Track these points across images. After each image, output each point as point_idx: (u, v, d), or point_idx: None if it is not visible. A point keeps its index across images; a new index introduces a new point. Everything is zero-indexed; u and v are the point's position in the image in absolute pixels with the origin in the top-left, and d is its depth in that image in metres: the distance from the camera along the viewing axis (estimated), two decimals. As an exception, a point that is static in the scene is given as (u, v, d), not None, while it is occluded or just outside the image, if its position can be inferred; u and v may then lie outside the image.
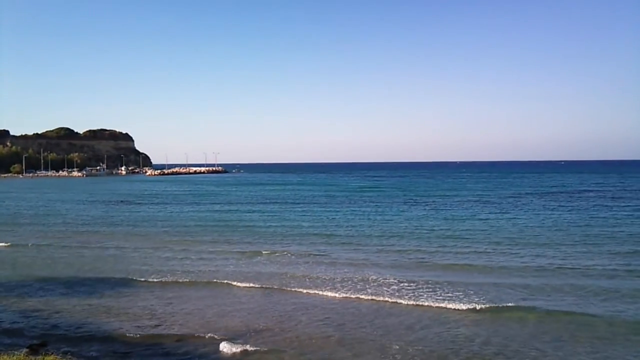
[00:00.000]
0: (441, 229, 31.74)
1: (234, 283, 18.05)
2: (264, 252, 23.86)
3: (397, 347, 12.01)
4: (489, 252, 23.75)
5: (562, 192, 67.36)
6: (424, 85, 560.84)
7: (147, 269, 20.62)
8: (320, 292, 16.88)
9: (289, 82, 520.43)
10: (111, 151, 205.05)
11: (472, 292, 16.56)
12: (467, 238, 28.05)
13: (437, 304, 15.30)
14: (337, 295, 16.50)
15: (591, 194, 63.79)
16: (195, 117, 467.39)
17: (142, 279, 18.84)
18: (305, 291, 17.05)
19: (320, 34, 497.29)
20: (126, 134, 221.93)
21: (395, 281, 18.05)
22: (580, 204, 49.24)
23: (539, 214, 40.29)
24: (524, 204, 49.95)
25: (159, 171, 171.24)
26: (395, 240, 27.92)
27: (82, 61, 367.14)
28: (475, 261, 21.74)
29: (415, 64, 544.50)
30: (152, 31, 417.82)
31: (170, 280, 18.77)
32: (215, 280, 18.67)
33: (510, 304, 15.11)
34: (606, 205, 46.65)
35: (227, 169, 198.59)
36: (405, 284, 17.63)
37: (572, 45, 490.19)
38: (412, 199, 57.78)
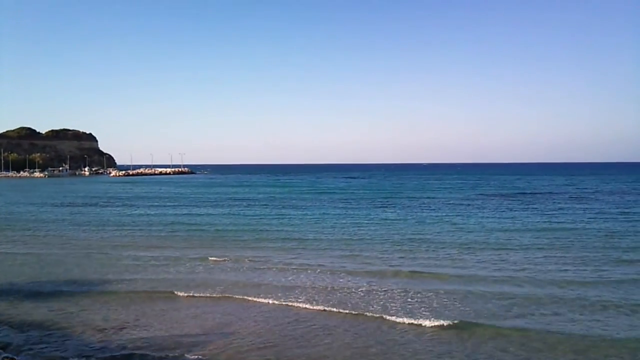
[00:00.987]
0: (409, 232, 31.02)
1: (178, 293, 16.83)
2: (216, 258, 22.86)
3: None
4: (457, 258, 22.83)
5: (527, 194, 68.07)
6: (395, 87, 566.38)
7: (95, 277, 19.64)
8: (265, 300, 15.87)
9: (258, 82, 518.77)
10: (74, 151, 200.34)
11: (438, 304, 15.48)
12: (435, 242, 27.35)
13: (394, 318, 14.05)
14: (284, 303, 15.47)
15: (558, 195, 64.83)
16: (161, 117, 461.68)
17: (83, 289, 17.72)
18: (251, 299, 16.06)
19: (291, 33, 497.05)
20: (90, 134, 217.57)
21: (353, 290, 17.07)
22: (546, 205, 49.56)
23: (505, 216, 40.14)
24: (491, 205, 49.98)
25: (123, 172, 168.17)
26: (360, 244, 26.98)
27: (45, 59, 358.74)
28: (443, 268, 20.69)
29: (387, 66, 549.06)
30: (116, 30, 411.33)
31: (109, 289, 17.53)
32: (159, 289, 17.45)
33: (479, 320, 13.77)
34: (573, 207, 47.01)
35: (193, 170, 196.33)
36: (363, 293, 16.64)
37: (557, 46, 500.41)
38: (380, 201, 57.42)
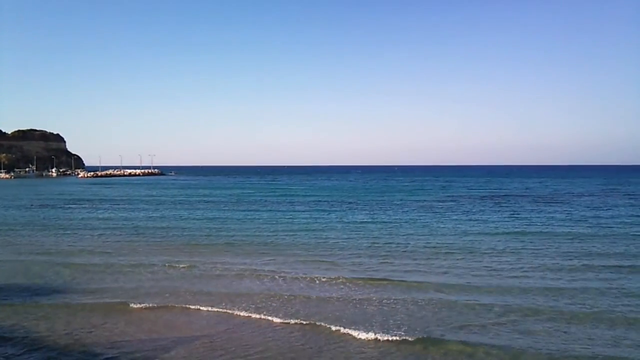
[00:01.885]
0: (378, 235, 30.50)
1: (131, 304, 15.91)
2: (178, 265, 21.99)
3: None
4: (425, 263, 22.26)
5: (499, 196, 68.53)
6: (369, 90, 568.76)
7: (45, 284, 18.62)
8: (215, 309, 15.21)
9: (229, 83, 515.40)
10: (41, 152, 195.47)
11: (397, 314, 14.77)
12: (404, 245, 26.85)
13: (346, 330, 13.23)
14: (236, 312, 14.86)
15: (528, 198, 65.41)
16: (130, 118, 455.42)
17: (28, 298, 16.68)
18: (204, 309, 15.28)
19: (262, 32, 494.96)
20: (57, 134, 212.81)
21: (309, 298, 16.47)
22: (517, 208, 49.74)
23: (476, 218, 40.02)
24: (462, 208, 49.95)
25: (92, 173, 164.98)
26: (327, 248, 26.30)
27: (12, 58, 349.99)
28: (411, 274, 20.04)
29: (362, 68, 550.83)
30: (84, 29, 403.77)
31: (61, 302, 16.37)
32: (114, 300, 16.48)
33: (441, 335, 12.96)
34: (545, 209, 47.32)
35: (164, 171, 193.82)
36: (319, 301, 16.03)
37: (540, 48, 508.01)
38: (349, 203, 56.97)
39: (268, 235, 31.25)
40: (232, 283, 18.99)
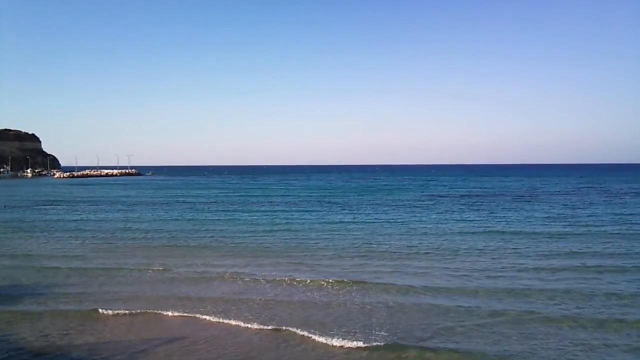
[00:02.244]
0: (358, 237, 30.20)
1: (102, 310, 15.22)
2: (151, 268, 21.43)
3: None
4: (405, 264, 21.98)
5: (476, 195, 69.10)
6: (348, 92, 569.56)
7: (13, 289, 17.71)
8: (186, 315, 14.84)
9: (207, 82, 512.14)
10: (16, 152, 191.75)
11: (378, 318, 14.46)
12: (382, 244, 26.60)
13: (312, 336, 12.85)
14: (209, 318, 14.41)
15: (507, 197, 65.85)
16: (107, 118, 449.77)
17: None
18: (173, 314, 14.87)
19: (239, 32, 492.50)
20: (33, 134, 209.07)
21: (276, 301, 16.21)
22: (496, 206, 49.97)
23: (455, 218, 40.05)
24: (441, 207, 50.06)
25: (68, 173, 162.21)
26: (304, 250, 25.86)
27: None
28: (389, 277, 19.66)
29: (343, 70, 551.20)
30: (59, 27, 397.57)
31: (28, 309, 15.70)
32: (83, 306, 15.94)
33: (406, 341, 12.48)
34: (524, 208, 47.57)
35: (141, 171, 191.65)
36: (288, 305, 15.69)
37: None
38: (329, 202, 56.61)
39: (245, 236, 30.79)
40: (206, 287, 18.54)
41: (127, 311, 15.35)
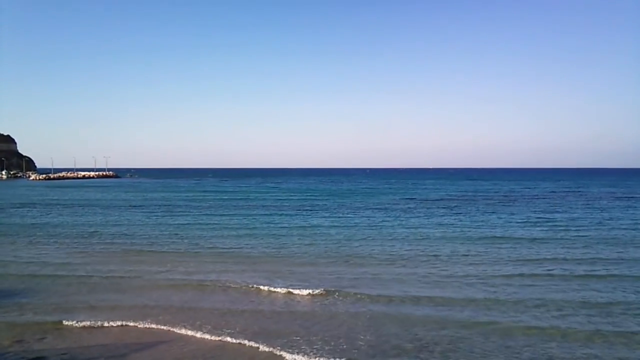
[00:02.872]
0: (337, 241, 29.74)
1: (65, 322, 14.50)
2: (124, 275, 20.87)
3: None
4: (383, 272, 21.60)
5: (455, 199, 69.42)
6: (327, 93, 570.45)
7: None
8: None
9: (189, 83, 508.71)
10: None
11: (347, 331, 14.09)
12: (362, 251, 26.12)
13: (278, 351, 12.31)
14: (173, 330, 13.76)
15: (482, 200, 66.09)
16: (84, 119, 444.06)
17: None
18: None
19: (222, 33, 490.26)
20: (7, 135, 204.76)
21: (253, 311, 15.61)
22: (474, 211, 50.06)
23: (436, 222, 39.82)
24: (421, 211, 49.97)
25: (44, 175, 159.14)
26: (281, 256, 25.33)
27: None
28: (366, 286, 19.35)
29: (325, 72, 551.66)
30: (36, 26, 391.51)
31: None
32: (47, 317, 15.16)
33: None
34: (502, 211, 47.71)
35: (119, 173, 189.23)
36: (266, 315, 15.18)
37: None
38: (311, 206, 56.18)
39: (220, 241, 30.24)
40: (174, 295, 17.97)
41: (91, 323, 14.68)
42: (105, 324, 14.64)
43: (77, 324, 14.58)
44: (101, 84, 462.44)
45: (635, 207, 54.47)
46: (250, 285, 18.91)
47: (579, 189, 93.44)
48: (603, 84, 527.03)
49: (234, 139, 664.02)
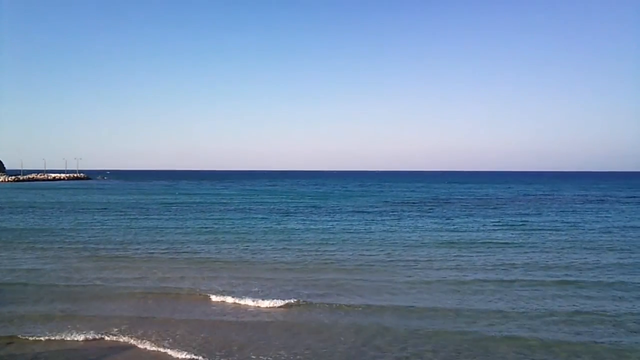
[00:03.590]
0: (309, 245, 29.19)
1: (20, 336, 13.71)
2: (82, 284, 19.96)
3: None
4: (358, 279, 20.96)
5: (428, 202, 69.54)
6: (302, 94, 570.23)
7: None
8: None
9: (162, 83, 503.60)
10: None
11: (311, 345, 13.53)
12: (335, 256, 25.54)
13: None
14: (133, 342, 12.99)
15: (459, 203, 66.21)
16: (54, 120, 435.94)
17: None
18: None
19: (197, 34, 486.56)
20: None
21: (212, 322, 15.02)
22: (450, 213, 49.95)
23: (408, 225, 39.55)
24: (396, 214, 49.66)
25: (12, 177, 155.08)
26: (251, 262, 24.61)
27: None
28: (336, 295, 18.76)
29: (308, 71, 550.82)
30: (8, 25, 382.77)
31: None
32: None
33: None
34: (478, 214, 47.74)
35: (91, 175, 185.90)
36: (228, 327, 14.60)
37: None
38: (284, 209, 55.39)
39: (190, 246, 29.41)
40: (133, 305, 17.18)
41: (47, 337, 13.82)
42: (59, 338, 13.80)
43: (31, 338, 13.72)
44: (72, 85, 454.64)
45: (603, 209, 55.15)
46: (214, 294, 18.16)
47: (552, 193, 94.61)
48: (596, 86, 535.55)
49: (213, 140, 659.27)
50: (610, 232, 35.97)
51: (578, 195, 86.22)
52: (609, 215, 48.39)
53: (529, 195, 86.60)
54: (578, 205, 61.84)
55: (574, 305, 16.69)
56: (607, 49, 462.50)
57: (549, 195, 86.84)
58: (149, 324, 14.97)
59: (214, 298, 17.75)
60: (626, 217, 46.67)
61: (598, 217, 47.17)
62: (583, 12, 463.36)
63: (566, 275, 21.46)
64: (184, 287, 19.37)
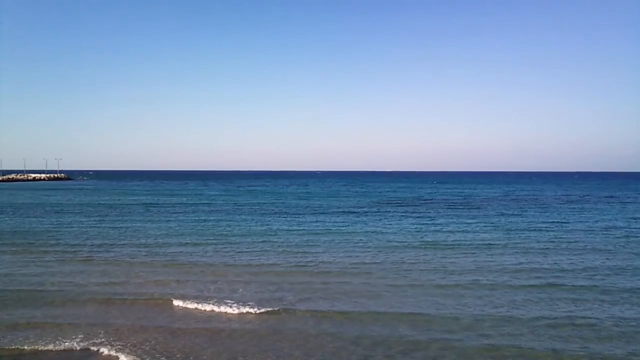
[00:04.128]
0: (292, 245, 28.65)
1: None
2: (43, 289, 19.33)
3: None
4: (338, 282, 20.42)
5: (409, 202, 69.29)
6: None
7: None
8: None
9: (143, 83, 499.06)
10: None
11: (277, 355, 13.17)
12: (317, 259, 25.04)
13: None
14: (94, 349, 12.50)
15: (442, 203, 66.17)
16: (34, 120, 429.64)
17: None
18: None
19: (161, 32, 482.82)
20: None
21: (175, 330, 14.48)
22: (427, 214, 49.72)
23: (392, 225, 39.13)
24: (380, 215, 49.23)
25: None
26: (226, 264, 24.00)
27: None
28: (315, 300, 18.33)
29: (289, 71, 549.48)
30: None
31: None
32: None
33: None
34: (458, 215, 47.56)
35: (71, 175, 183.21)
36: (192, 335, 14.04)
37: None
38: (266, 209, 54.54)
39: (168, 248, 28.76)
40: (94, 311, 16.60)
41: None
42: (19, 347, 13.20)
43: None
44: (52, 84, 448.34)
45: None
46: (182, 300, 17.44)
47: (535, 192, 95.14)
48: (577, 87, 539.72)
49: (196, 141, 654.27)
50: (592, 231, 36.03)
51: (560, 195, 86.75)
52: (591, 216, 48.51)
53: (510, 195, 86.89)
54: (560, 205, 62.10)
55: (554, 311, 16.25)
56: (605, 49, 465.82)
57: (531, 195, 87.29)
58: (114, 331, 14.37)
59: (184, 304, 17.06)
60: (608, 217, 46.90)
61: (581, 217, 47.34)
62: (582, 12, 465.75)
63: (538, 278, 21.07)
64: (156, 292, 18.75)
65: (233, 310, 16.33)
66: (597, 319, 15.41)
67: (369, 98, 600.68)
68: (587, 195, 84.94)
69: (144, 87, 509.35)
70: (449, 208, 58.28)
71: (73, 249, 28.63)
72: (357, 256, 26.31)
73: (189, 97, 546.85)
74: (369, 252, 27.66)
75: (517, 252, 27.55)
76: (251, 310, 16.28)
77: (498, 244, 30.23)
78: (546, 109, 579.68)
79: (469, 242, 30.97)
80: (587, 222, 42.89)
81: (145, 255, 26.60)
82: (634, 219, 46.02)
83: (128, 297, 18.16)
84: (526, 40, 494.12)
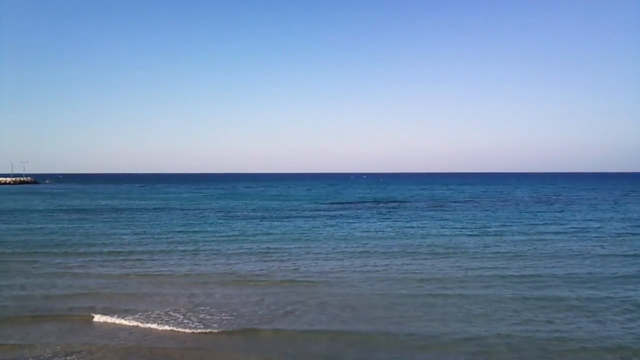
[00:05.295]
0: (268, 247, 27.41)
1: None
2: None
3: None
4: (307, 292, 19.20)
5: (379, 203, 68.53)
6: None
7: None
8: None
9: (120, 82, 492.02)
10: None
11: None
12: (288, 266, 23.61)
13: None
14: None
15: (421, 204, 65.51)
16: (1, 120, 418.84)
17: None
18: None
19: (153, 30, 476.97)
20: None
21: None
22: (400, 215, 48.81)
23: (369, 227, 37.88)
24: (353, 216, 48.15)
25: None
26: (196, 272, 22.42)
27: None
28: (280, 320, 17.22)
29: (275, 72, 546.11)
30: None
31: None
32: None
33: None
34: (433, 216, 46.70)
35: (37, 179, 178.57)
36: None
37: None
38: (242, 212, 53.16)
39: (132, 255, 27.10)
40: (42, 329, 14.97)
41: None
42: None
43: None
44: (20, 84, 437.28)
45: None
46: (132, 318, 15.71)
47: (510, 193, 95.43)
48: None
49: (176, 143, 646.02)
50: (566, 234, 35.27)
51: (531, 196, 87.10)
52: (568, 217, 48.03)
53: (485, 196, 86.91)
54: (534, 206, 61.98)
55: (528, 324, 15.01)
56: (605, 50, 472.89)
57: (500, 195, 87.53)
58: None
59: (132, 323, 15.25)
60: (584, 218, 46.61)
61: (555, 218, 46.95)
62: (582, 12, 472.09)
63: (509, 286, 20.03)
64: (106, 307, 16.95)
65: (196, 329, 14.63)
66: (581, 337, 14.05)
67: (369, 98, 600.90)
68: (571, 196, 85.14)
69: (113, 87, 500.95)
70: (426, 209, 57.41)
71: (33, 258, 26.46)
72: (328, 263, 24.94)
73: (162, 98, 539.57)
74: (342, 258, 26.23)
75: (488, 258, 26.23)
76: (215, 329, 14.65)
77: (472, 250, 29.20)
78: (545, 109, 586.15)
79: (447, 247, 29.87)
80: (562, 224, 42.32)
81: (103, 263, 24.74)
82: None
83: (71, 313, 16.45)
84: (526, 40, 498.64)
